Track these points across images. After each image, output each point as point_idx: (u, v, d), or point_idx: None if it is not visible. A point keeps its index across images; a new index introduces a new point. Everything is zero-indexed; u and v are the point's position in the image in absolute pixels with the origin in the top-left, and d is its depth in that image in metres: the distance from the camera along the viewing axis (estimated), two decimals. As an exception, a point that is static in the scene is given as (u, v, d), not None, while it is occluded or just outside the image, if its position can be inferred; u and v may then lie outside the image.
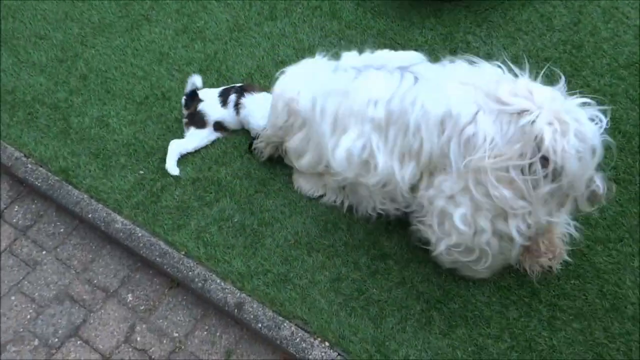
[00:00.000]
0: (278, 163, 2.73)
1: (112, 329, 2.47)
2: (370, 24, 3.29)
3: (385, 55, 2.22)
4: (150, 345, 2.41)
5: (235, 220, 2.62)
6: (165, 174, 2.80)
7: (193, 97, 2.82)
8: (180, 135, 2.91)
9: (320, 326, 2.28)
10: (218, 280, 2.44)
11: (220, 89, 2.88)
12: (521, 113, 1.77)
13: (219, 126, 2.83)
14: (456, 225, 1.91)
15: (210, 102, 2.81)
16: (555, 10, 3.22)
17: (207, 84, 3.13)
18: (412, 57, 2.21)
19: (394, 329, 2.25)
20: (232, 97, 2.79)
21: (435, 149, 1.91)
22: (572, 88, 2.84)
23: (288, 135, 2.42)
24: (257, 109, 2.74)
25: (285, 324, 2.30)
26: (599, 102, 1.91)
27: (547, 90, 1.85)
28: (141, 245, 2.57)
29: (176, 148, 2.80)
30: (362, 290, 2.36)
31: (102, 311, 2.52)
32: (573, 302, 2.23)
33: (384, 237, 2.47)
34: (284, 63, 3.17)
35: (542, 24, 3.17)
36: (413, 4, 3.35)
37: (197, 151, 2.86)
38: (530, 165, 1.76)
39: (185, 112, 2.86)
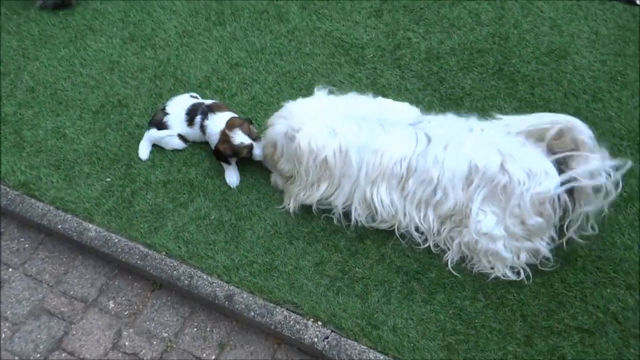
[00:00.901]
0: (248, 161, 2.81)
1: (97, 337, 2.42)
2: (317, 25, 3.46)
3: (389, 106, 2.55)
4: (140, 348, 2.39)
5: (213, 217, 2.66)
6: (134, 179, 2.79)
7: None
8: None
9: (311, 307, 2.38)
10: (204, 276, 2.47)
11: (189, 104, 2.85)
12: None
13: (182, 138, 2.86)
14: (502, 255, 2.37)
15: (176, 118, 2.82)
16: (480, 6, 3.56)
17: (163, 89, 3.15)
18: (409, 111, 2.57)
19: (379, 302, 2.40)
20: (198, 119, 2.79)
21: (460, 201, 2.31)
22: (505, 75, 3.19)
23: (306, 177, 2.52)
24: (218, 132, 2.74)
25: (277, 310, 2.38)
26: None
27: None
28: (119, 250, 2.54)
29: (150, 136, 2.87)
30: (345, 271, 2.49)
31: (84, 321, 2.47)
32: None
33: (358, 219, 2.62)
34: (239, 65, 3.26)
35: (471, 20, 3.49)
36: (354, 5, 3.56)
37: (164, 155, 2.87)
38: (559, 197, 2.20)
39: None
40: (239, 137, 2.64)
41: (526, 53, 3.31)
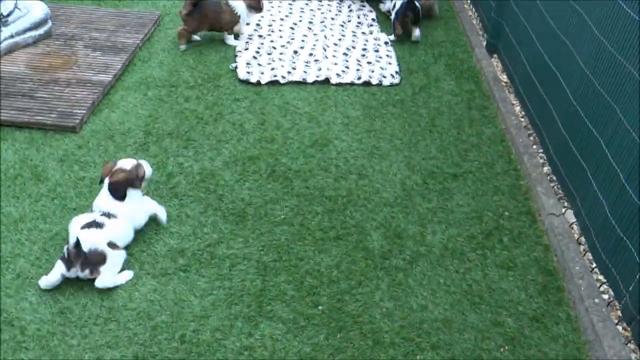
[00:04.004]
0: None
1: None
2: (81, 175, 3.28)
3: None
4: None
5: None
6: None
7: None
8: None
9: None
10: None
11: None
12: None
13: None
14: None
15: None
16: (243, 117, 3.74)
17: None
18: None
19: None
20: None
21: None
22: (279, 175, 3.31)
23: None
24: None
25: None
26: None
27: None
28: None
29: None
30: None
31: None
32: (344, 354, 2.49)
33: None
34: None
35: (236, 131, 3.63)
36: (117, 144, 3.47)
37: None
38: None
39: None
40: None
41: (293, 150, 3.51)
